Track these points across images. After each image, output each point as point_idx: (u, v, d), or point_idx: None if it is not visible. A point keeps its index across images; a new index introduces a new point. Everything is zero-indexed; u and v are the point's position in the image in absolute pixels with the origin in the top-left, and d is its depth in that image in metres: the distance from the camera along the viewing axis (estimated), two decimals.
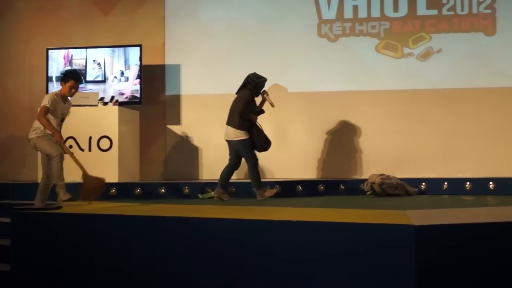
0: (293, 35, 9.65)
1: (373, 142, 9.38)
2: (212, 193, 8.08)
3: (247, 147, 7.64)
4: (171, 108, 9.79)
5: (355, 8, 9.60)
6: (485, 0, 9.34)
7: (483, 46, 9.32)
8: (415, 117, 9.30)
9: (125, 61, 9.23)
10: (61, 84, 6.64)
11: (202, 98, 9.71)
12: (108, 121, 8.47)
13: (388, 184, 8.11)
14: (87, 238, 5.05)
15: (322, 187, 8.54)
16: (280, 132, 9.19)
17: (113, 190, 7.94)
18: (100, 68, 9.21)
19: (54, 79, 9.24)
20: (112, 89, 9.18)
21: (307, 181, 8.72)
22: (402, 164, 9.14)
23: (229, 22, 9.80)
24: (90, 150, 8.29)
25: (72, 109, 6.94)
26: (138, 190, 8.06)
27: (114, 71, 9.22)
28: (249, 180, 7.78)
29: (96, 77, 9.17)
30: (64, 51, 9.30)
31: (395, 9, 9.52)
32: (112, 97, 8.99)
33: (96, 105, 8.58)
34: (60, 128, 6.65)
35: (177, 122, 9.77)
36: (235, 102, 7.77)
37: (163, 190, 8.18)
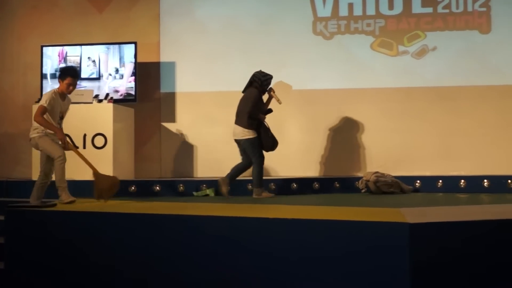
0: (288, 32, 9.65)
1: (368, 140, 9.38)
2: (208, 191, 8.08)
3: (255, 145, 7.63)
4: (166, 105, 9.77)
5: (350, 6, 9.60)
6: None
7: (478, 44, 9.33)
8: (410, 115, 9.31)
9: (120, 59, 9.21)
10: (58, 82, 6.58)
11: (197, 96, 9.70)
12: (103, 118, 8.45)
13: (383, 182, 8.12)
14: (82, 235, 5.05)
15: (317, 185, 8.55)
16: (275, 130, 9.16)
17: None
18: (95, 66, 9.19)
19: (48, 76, 9.22)
20: (106, 86, 9.16)
21: (302, 179, 8.72)
22: (397, 162, 9.16)
23: (224, 20, 9.79)
24: (84, 147, 8.26)
25: None
26: (133, 187, 8.04)
27: (108, 68, 9.20)
28: (245, 178, 7.77)
29: (90, 74, 9.15)
30: (58, 48, 9.27)
31: (390, 7, 9.53)
32: (107, 95, 8.97)
33: (91, 103, 8.56)
34: (60, 126, 6.61)
35: (172, 119, 9.75)
36: (243, 102, 7.76)
37: (158, 187, 8.16)
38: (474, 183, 8.37)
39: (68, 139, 6.69)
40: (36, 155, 8.20)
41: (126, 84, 9.15)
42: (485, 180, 8.33)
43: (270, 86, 7.84)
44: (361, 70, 9.49)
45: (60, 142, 6.42)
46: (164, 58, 9.80)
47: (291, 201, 6.97)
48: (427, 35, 9.44)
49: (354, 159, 9.40)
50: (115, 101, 8.83)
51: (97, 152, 8.22)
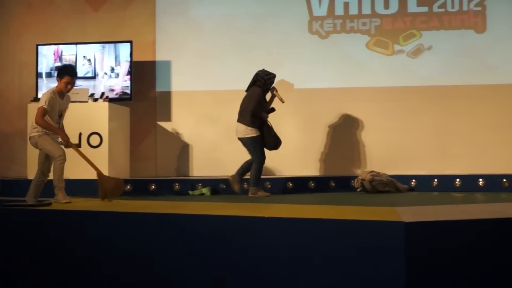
0: (284, 32, 9.65)
1: (364, 139, 9.39)
2: (203, 190, 8.07)
3: (256, 144, 7.64)
4: (161, 104, 9.77)
5: (346, 5, 9.61)
6: None
7: (473, 43, 9.35)
8: (405, 114, 9.33)
9: (116, 57, 9.20)
10: (57, 80, 6.54)
11: (193, 95, 9.69)
12: (98, 117, 8.45)
13: (378, 181, 8.13)
14: (77, 234, 5.03)
15: (312, 184, 8.55)
16: None
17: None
18: (90, 64, 9.18)
19: (44, 75, 9.21)
20: (102, 85, 9.16)
21: (298, 177, 8.72)
22: (392, 161, 9.17)
23: (220, 19, 9.79)
24: (80, 146, 8.24)
25: None
26: (128, 186, 8.04)
27: (104, 67, 9.19)
28: (245, 176, 7.78)
29: (86, 73, 9.14)
30: (54, 47, 9.26)
31: (386, 6, 9.54)
32: (102, 94, 8.96)
33: (86, 102, 8.55)
34: (60, 125, 6.59)
35: (168, 118, 9.75)
36: (246, 100, 7.77)
37: (153, 186, 8.16)
38: (469, 182, 8.39)
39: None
40: (31, 154, 8.22)
41: (121, 83, 9.14)
42: (480, 179, 8.36)
43: (273, 85, 7.86)
44: (356, 69, 9.50)
45: (61, 141, 6.42)
46: (159, 57, 9.79)
47: (287, 200, 6.97)
48: (423, 34, 9.45)
49: (349, 158, 9.41)
50: (111, 100, 8.82)
51: (93, 151, 8.21)
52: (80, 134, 8.36)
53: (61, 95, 6.51)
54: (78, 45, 9.25)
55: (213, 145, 9.56)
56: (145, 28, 9.81)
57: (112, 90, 9.13)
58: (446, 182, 8.48)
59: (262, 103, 7.74)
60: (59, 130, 6.46)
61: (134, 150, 9.53)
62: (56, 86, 6.51)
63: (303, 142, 9.40)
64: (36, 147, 6.52)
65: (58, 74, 6.55)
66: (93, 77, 9.15)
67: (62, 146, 6.49)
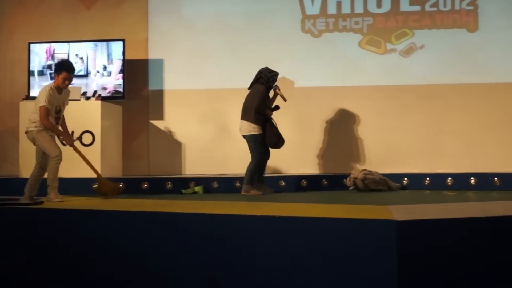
0: (276, 30, 9.65)
1: (356, 137, 9.41)
2: (196, 188, 8.08)
3: (257, 142, 7.66)
4: (154, 103, 9.75)
5: (339, 3, 9.61)
6: None
7: (465, 42, 9.37)
8: (397, 113, 9.34)
9: (108, 56, 9.18)
10: (54, 76, 6.52)
11: (185, 93, 9.68)
12: (91, 115, 8.42)
13: (370, 180, 8.15)
14: (69, 233, 5.02)
15: (305, 183, 8.56)
16: None
17: (96, 185, 7.89)
18: (83, 63, 9.15)
19: (36, 73, 9.18)
20: (94, 83, 9.13)
21: (290, 176, 8.73)
22: (384, 159, 9.19)
23: (212, 18, 9.78)
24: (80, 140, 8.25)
25: None
26: (121, 185, 8.03)
27: (96, 65, 9.17)
28: (236, 175, 7.79)
29: (78, 72, 9.08)
30: (46, 45, 9.23)
31: (378, 5, 9.55)
32: (95, 92, 8.94)
33: (79, 100, 8.53)
34: (58, 121, 6.56)
35: (160, 117, 9.74)
36: (249, 97, 7.79)
37: (146, 185, 8.16)
38: (461, 180, 8.42)
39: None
40: (23, 152, 8.21)
41: (114, 81, 9.12)
42: (472, 178, 8.39)
43: (276, 83, 7.90)
44: (349, 68, 9.51)
45: (61, 139, 6.43)
46: (152, 55, 9.78)
47: (279, 198, 6.98)
48: (415, 33, 9.47)
49: (342, 156, 9.42)
50: (103, 99, 8.80)
51: (85, 150, 8.15)
52: (73, 132, 8.31)
53: (59, 90, 6.48)
54: (71, 43, 9.23)
55: (206, 144, 9.56)
56: (138, 27, 9.79)
57: (105, 89, 9.11)
58: (438, 181, 8.50)
59: (266, 100, 7.77)
60: (64, 133, 6.45)
61: (127, 149, 9.51)
62: (54, 82, 6.48)
63: (295, 140, 9.38)
64: (33, 142, 6.50)
65: (55, 70, 6.52)
66: (86, 75, 9.12)
67: (60, 145, 6.48)
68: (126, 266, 4.73)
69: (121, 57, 9.13)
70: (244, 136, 7.73)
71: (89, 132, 8.34)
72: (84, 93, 8.83)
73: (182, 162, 9.66)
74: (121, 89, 9.10)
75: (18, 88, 9.54)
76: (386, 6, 9.52)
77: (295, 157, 9.33)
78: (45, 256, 5.01)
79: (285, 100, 7.86)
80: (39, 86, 8.93)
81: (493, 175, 8.37)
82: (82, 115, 8.40)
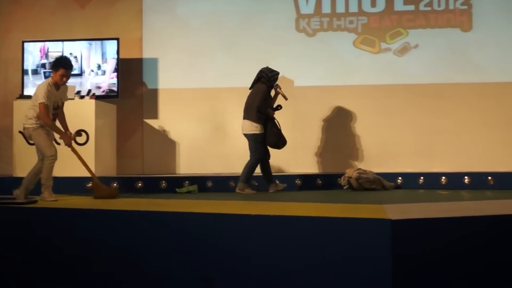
0: (271, 29, 9.65)
1: (350, 137, 9.42)
2: (190, 187, 8.07)
3: (257, 142, 7.69)
4: (148, 102, 9.75)
5: (333, 3, 9.63)
6: None
7: (459, 41, 9.40)
8: (391, 112, 9.36)
9: (102, 55, 9.17)
10: (52, 72, 6.46)
11: (180, 92, 9.68)
12: (85, 114, 8.40)
13: (365, 179, 8.16)
14: (63, 232, 5.01)
15: (299, 182, 8.56)
16: None
17: (90, 184, 7.88)
18: (77, 61, 9.13)
19: (29, 72, 9.15)
20: (89, 82, 9.12)
21: (284, 175, 8.73)
22: (378, 158, 9.22)
23: (207, 16, 9.77)
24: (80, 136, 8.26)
25: None
26: (115, 184, 8.02)
27: (91, 64, 9.15)
28: (231, 175, 7.79)
29: (72, 70, 9.07)
30: (40, 44, 9.21)
31: (373, 4, 9.56)
32: (89, 91, 8.92)
33: (73, 99, 8.50)
34: (55, 117, 6.52)
35: (155, 116, 9.73)
36: (251, 97, 7.82)
37: (140, 184, 8.14)
38: (455, 179, 8.45)
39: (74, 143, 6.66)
40: (18, 151, 8.19)
41: (108, 80, 9.11)
42: (466, 177, 8.42)
43: (276, 82, 7.94)
44: (343, 67, 9.52)
45: (59, 137, 6.40)
46: (146, 54, 9.77)
47: (273, 197, 6.98)
48: (409, 32, 9.49)
49: (336, 156, 9.43)
50: (97, 97, 8.79)
51: (79, 149, 8.14)
52: (66, 132, 8.30)
53: (57, 87, 6.42)
54: (65, 42, 9.21)
55: (200, 143, 9.55)
56: (132, 25, 9.78)
57: (99, 87, 9.09)
58: (432, 180, 8.52)
59: (268, 99, 7.80)
60: (62, 132, 6.40)
61: (121, 148, 9.50)
62: (52, 78, 6.42)
63: (288, 140, 9.34)
64: (30, 139, 6.47)
65: (53, 66, 6.46)
66: (80, 74, 9.10)
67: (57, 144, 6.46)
68: (121, 265, 4.72)
69: (116, 56, 9.11)
70: (246, 135, 7.76)
71: (83, 131, 8.32)
72: (78, 92, 8.80)
73: (177, 161, 9.66)
74: (115, 88, 9.09)
75: (12, 87, 9.52)
76: (381, 6, 9.54)
77: (289, 156, 9.33)
78: (39, 255, 4.99)
79: (286, 99, 7.92)
80: (33, 85, 8.94)
81: (487, 174, 8.40)
82: (76, 114, 8.35)
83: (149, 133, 9.72)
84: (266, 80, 7.79)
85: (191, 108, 9.61)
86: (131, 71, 9.64)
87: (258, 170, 7.88)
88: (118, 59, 9.11)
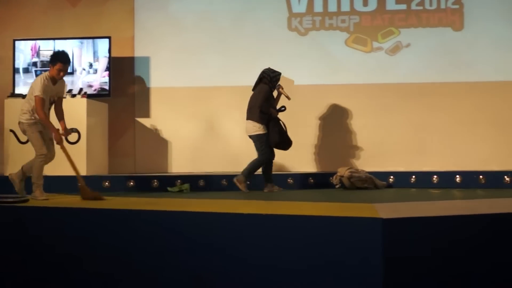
0: (263, 28, 9.65)
1: (342, 136, 9.44)
2: (182, 186, 8.06)
3: (262, 142, 7.71)
4: (140, 100, 9.73)
5: (325, 2, 9.63)
6: None
7: (451, 41, 9.43)
8: (383, 111, 9.37)
9: (94, 53, 9.15)
10: (49, 66, 6.40)
11: (172, 91, 9.66)
12: (76, 113, 8.37)
13: (356, 178, 8.17)
14: (55, 231, 5.00)
15: (291, 181, 8.56)
16: None
17: (80, 184, 7.87)
18: None
19: (21, 70, 9.12)
20: (80, 81, 9.10)
21: (276, 174, 8.72)
22: (370, 157, 9.24)
23: (199, 15, 9.76)
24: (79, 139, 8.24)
25: None
26: (107, 183, 8.01)
27: (82, 63, 9.13)
28: (223, 173, 7.79)
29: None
30: (31, 43, 9.18)
31: (365, 3, 9.58)
32: (81, 89, 8.90)
33: (64, 97, 8.44)
34: (49, 112, 6.47)
35: (146, 115, 9.71)
36: (254, 97, 7.85)
37: (131, 183, 8.14)
38: (446, 178, 8.47)
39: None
40: (10, 150, 8.17)
41: (100, 79, 9.09)
42: (457, 176, 8.45)
43: (279, 83, 7.99)
44: (335, 66, 9.53)
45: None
46: (138, 53, 9.75)
47: (265, 196, 6.99)
48: (401, 31, 9.51)
49: (328, 155, 9.45)
50: (89, 96, 8.77)
51: (71, 147, 8.11)
52: (58, 130, 8.28)
53: (53, 81, 6.37)
54: (56, 41, 9.17)
55: (192, 142, 9.55)
56: (124, 24, 9.76)
57: (91, 86, 9.07)
58: (423, 179, 8.55)
59: (270, 99, 7.84)
60: (55, 130, 6.33)
61: (113, 147, 9.49)
62: (49, 72, 6.36)
63: None
64: (24, 134, 6.43)
65: (50, 60, 6.39)
66: (71, 73, 9.07)
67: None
68: (113, 265, 4.72)
69: (107, 55, 9.09)
70: (250, 137, 7.79)
71: (75, 130, 8.30)
72: (70, 91, 8.78)
73: (169, 160, 9.65)
74: (107, 87, 9.07)
75: (3, 85, 9.46)
76: (373, 5, 9.55)
77: (280, 155, 9.32)
78: (30, 254, 4.98)
79: (289, 99, 8.00)
80: (24, 84, 8.93)
81: (478, 173, 8.43)
82: (68, 113, 8.22)
83: (141, 132, 9.70)
84: (268, 80, 7.83)
85: (183, 107, 9.60)
86: (123, 69, 9.61)
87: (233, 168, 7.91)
88: (109, 57, 9.09)
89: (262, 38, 9.63)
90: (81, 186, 6.41)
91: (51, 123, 6.29)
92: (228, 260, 4.37)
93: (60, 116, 6.54)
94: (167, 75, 9.70)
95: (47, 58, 8.92)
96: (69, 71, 8.81)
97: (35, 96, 6.18)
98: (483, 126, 9.18)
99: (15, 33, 9.51)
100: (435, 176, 8.52)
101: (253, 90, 7.95)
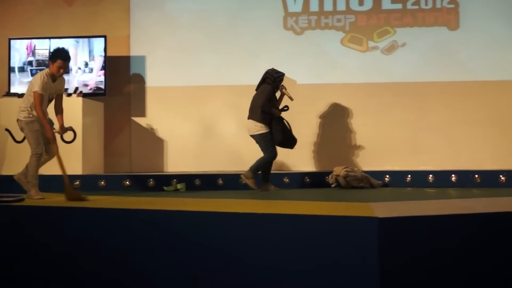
0: (259, 27, 9.65)
1: (337, 135, 9.44)
2: (178, 186, 8.06)
3: (266, 140, 7.73)
4: (136, 100, 9.71)
5: (321, 1, 9.62)
6: None
7: (446, 40, 9.43)
8: (379, 110, 9.38)
9: (90, 52, 9.13)
10: (49, 64, 6.40)
11: (168, 90, 9.65)
12: (72, 112, 8.31)
13: (352, 177, 8.18)
14: (50, 230, 5.00)
15: (287, 180, 8.57)
16: (244, 125, 9.17)
17: (77, 182, 7.87)
18: None
19: (16, 69, 9.10)
20: (76, 80, 9.08)
21: (272, 174, 8.71)
22: (366, 157, 9.25)
23: (195, 14, 9.75)
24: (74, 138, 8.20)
25: None
26: (103, 182, 8.00)
27: (78, 62, 9.11)
28: (219, 172, 7.79)
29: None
30: (26, 41, 9.16)
31: (361, 2, 9.58)
32: (76, 88, 8.89)
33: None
34: (59, 109, 6.50)
35: (142, 114, 9.70)
36: (256, 97, 7.88)
37: (127, 182, 8.13)
38: (442, 178, 8.49)
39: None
40: (5, 149, 8.15)
41: (95, 78, 9.08)
42: (453, 175, 8.46)
43: (282, 83, 8.01)
44: (331, 66, 9.53)
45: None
46: (134, 52, 9.73)
47: (261, 195, 6.99)
48: (397, 31, 9.51)
49: (324, 154, 9.45)
50: (85, 95, 8.76)
51: (66, 147, 8.10)
52: (53, 128, 8.27)
53: (53, 79, 6.36)
54: (52, 40, 9.14)
55: (188, 141, 9.53)
56: (120, 23, 9.73)
57: (86, 85, 9.06)
58: (419, 178, 8.56)
59: (272, 99, 7.86)
60: (49, 128, 6.29)
61: (108, 146, 9.47)
62: (49, 69, 6.35)
63: None
64: (22, 131, 6.42)
65: (50, 57, 6.39)
66: (67, 72, 9.01)
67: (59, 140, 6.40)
68: (109, 264, 4.72)
69: (103, 54, 9.08)
70: (253, 136, 7.80)
71: (70, 128, 8.27)
72: (66, 90, 8.73)
73: (164, 159, 9.63)
74: (102, 86, 9.06)
75: None
76: (368, 4, 9.56)
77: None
78: (26, 254, 4.97)
79: (291, 99, 7.97)
80: (20, 83, 8.91)
81: (474, 172, 8.45)
82: (63, 112, 8.33)
83: (137, 131, 9.68)
84: (272, 81, 7.86)
85: (179, 106, 9.59)
86: (118, 68, 9.60)
87: (242, 168, 7.89)
88: (105, 56, 9.08)
89: (258, 37, 9.62)
90: (65, 184, 6.31)
91: (46, 120, 6.27)
92: (224, 259, 4.37)
93: (58, 110, 6.52)
94: (163, 74, 9.69)
95: (43, 57, 8.94)
96: None
97: (33, 92, 6.18)
98: (479, 125, 9.19)
99: (10, 32, 9.49)
100: (430, 175, 8.54)
101: (256, 90, 7.96)
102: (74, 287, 4.81)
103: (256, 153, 8.03)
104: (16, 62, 9.13)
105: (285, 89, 8.03)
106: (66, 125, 6.55)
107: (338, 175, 8.23)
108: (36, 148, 6.23)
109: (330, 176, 8.39)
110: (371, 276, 3.88)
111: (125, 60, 9.70)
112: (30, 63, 9.08)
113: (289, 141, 7.94)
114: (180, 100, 9.59)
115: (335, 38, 9.58)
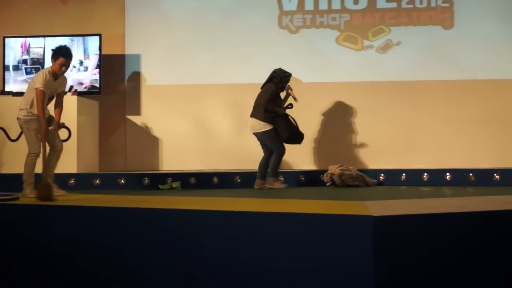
0: (254, 26, 9.65)
1: (332, 133, 9.45)
2: (173, 184, 8.06)
3: (272, 136, 7.80)
4: (131, 98, 9.71)
5: (316, 0, 9.64)
6: None
7: (441, 39, 9.45)
8: (373, 109, 9.39)
9: (84, 51, 9.12)
10: (51, 61, 6.38)
11: (162, 89, 9.65)
12: (67, 111, 8.24)
13: (347, 175, 8.19)
14: (44, 229, 4.99)
15: (281, 178, 8.56)
16: (239, 123, 9.20)
17: (72, 181, 7.87)
18: None
19: (11, 68, 9.08)
20: (71, 78, 9.05)
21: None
22: (361, 155, 9.26)
23: (190, 13, 9.74)
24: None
25: None
26: (98, 180, 7.99)
27: (73, 60, 9.07)
28: (214, 171, 7.79)
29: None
30: (21, 40, 9.14)
31: (355, 1, 9.58)
32: (71, 87, 8.86)
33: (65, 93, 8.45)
34: (60, 106, 6.50)
35: (137, 112, 9.69)
36: (260, 96, 7.91)
37: (122, 181, 8.13)
38: (436, 176, 8.49)
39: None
40: (4, 149, 8.14)
41: (90, 76, 9.07)
42: (447, 174, 8.47)
43: (288, 84, 8.07)
44: (326, 64, 9.54)
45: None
46: (129, 50, 9.72)
47: (256, 194, 6.99)
48: (392, 30, 9.53)
49: (319, 152, 9.45)
50: (79, 94, 8.74)
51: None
52: (48, 128, 8.26)
53: (55, 77, 6.35)
54: (46, 38, 9.14)
55: (183, 139, 9.53)
56: (114, 21, 9.73)
57: (81, 84, 9.05)
58: (414, 176, 8.57)
59: (275, 98, 7.91)
60: (44, 126, 6.26)
61: (103, 144, 9.47)
62: (50, 67, 6.35)
63: None
64: (21, 129, 6.41)
65: (52, 55, 6.37)
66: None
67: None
68: (105, 262, 4.71)
69: (98, 52, 9.07)
70: (256, 134, 7.83)
71: (66, 128, 8.26)
72: None
73: (160, 157, 9.63)
74: (97, 84, 9.05)
75: None
76: (363, 3, 9.57)
77: None
78: (21, 252, 4.97)
79: (296, 100, 8.03)
80: (14, 81, 8.90)
81: (468, 170, 8.46)
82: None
83: (132, 130, 9.68)
84: (279, 81, 7.90)
85: (174, 105, 9.59)
86: (113, 67, 9.59)
87: (254, 166, 7.91)
88: (100, 55, 9.07)
89: (253, 36, 9.63)
90: (41, 185, 6.17)
91: (44, 118, 6.24)
92: (219, 258, 4.37)
93: (58, 104, 6.51)
94: (158, 73, 9.68)
95: (37, 56, 8.93)
96: None
97: (36, 89, 6.17)
98: (473, 124, 9.21)
99: (5, 30, 9.47)
100: (425, 174, 8.55)
101: (261, 88, 7.99)
102: (69, 285, 4.81)
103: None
104: (10, 60, 9.11)
105: (291, 90, 8.09)
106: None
107: (333, 174, 8.23)
108: (33, 146, 6.22)
109: (325, 174, 8.40)
110: (366, 274, 3.88)
111: (120, 59, 9.69)
112: (24, 61, 9.06)
113: (296, 137, 8.00)
114: (175, 98, 9.59)
115: (330, 36, 9.59)
